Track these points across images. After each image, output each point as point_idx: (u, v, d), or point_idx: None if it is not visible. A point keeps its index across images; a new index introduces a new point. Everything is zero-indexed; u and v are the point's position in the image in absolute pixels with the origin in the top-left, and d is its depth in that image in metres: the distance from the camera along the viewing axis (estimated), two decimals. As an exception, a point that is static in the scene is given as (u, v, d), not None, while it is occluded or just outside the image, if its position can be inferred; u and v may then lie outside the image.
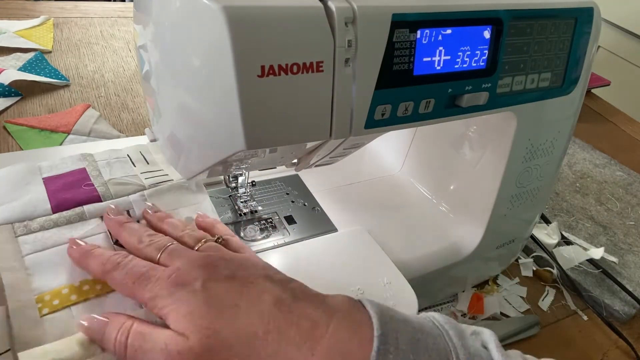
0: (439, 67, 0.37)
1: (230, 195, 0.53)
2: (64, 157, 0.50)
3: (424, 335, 0.32)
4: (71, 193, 0.45)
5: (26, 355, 0.33)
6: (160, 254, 0.37)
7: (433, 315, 0.35)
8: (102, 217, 0.45)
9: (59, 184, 0.46)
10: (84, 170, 0.49)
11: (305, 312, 0.32)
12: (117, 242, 0.43)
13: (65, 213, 0.44)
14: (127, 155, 0.52)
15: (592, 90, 1.17)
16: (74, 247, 0.39)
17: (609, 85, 1.16)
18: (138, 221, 0.45)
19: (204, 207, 0.48)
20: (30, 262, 0.39)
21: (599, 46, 1.63)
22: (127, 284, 0.35)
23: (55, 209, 0.44)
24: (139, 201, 0.46)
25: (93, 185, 0.47)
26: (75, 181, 0.47)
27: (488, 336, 0.34)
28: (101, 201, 0.45)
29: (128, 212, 0.46)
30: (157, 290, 0.34)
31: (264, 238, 0.50)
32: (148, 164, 0.52)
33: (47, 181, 0.47)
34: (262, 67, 0.30)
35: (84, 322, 0.34)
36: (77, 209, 0.44)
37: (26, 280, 0.38)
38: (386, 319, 0.32)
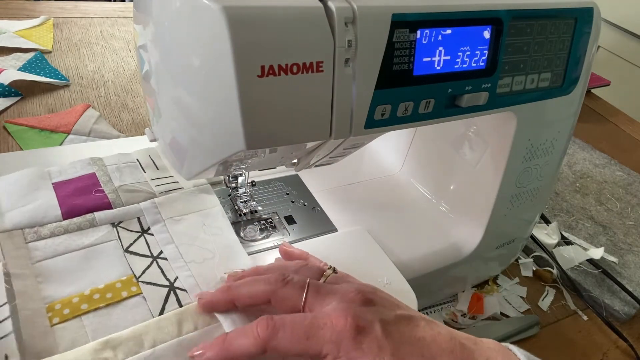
0: (438, 67, 0.37)
1: (230, 195, 0.53)
2: (73, 161, 0.50)
3: None
4: (82, 199, 0.45)
5: None
6: (306, 295, 0.35)
7: None
8: (112, 224, 0.45)
9: (69, 190, 0.46)
10: (93, 175, 0.49)
11: (483, 354, 0.34)
12: (127, 249, 0.43)
13: (75, 219, 0.44)
14: (137, 159, 0.52)
15: (592, 90, 1.17)
16: (215, 348, 0.34)
17: (609, 85, 1.16)
18: (149, 228, 0.45)
19: (214, 212, 0.48)
20: (41, 269, 0.39)
21: (599, 46, 1.63)
22: (299, 341, 0.32)
23: (66, 215, 0.44)
24: (150, 208, 0.46)
25: (104, 191, 0.47)
26: (85, 187, 0.47)
27: None
28: (112, 208, 0.45)
29: (139, 218, 0.46)
30: (340, 342, 0.32)
31: (263, 238, 0.50)
32: (158, 169, 0.52)
33: (57, 186, 0.47)
34: (262, 67, 0.30)
35: None
36: (88, 216, 0.44)
37: (36, 288, 0.38)
38: None
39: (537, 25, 0.41)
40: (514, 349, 0.35)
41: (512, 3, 0.39)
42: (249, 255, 0.46)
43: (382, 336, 0.32)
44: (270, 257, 0.47)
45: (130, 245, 0.43)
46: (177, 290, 0.40)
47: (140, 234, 0.45)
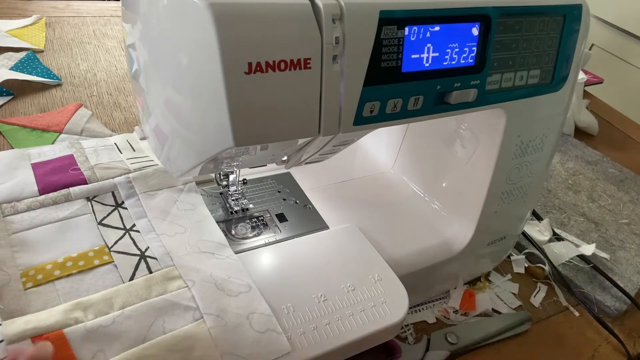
0: (427, 64, 0.37)
1: (221, 193, 0.53)
2: (53, 145, 0.52)
3: None
4: (58, 176, 0.47)
5: (9, 323, 0.34)
6: None
7: None
8: (87, 198, 0.46)
9: (47, 169, 0.48)
10: (71, 156, 0.51)
11: None
12: (101, 222, 0.44)
13: (51, 194, 0.45)
14: (115, 143, 0.54)
15: (585, 88, 1.17)
16: None
17: (602, 82, 1.16)
18: (122, 202, 0.46)
19: (187, 187, 0.50)
20: (17, 240, 0.41)
21: (592, 44, 1.63)
22: None
23: (42, 191, 0.46)
24: (124, 183, 0.48)
25: (80, 169, 0.48)
26: (63, 166, 0.49)
27: None
28: (87, 184, 0.47)
29: (113, 193, 0.47)
30: None
31: (255, 236, 0.50)
32: (134, 151, 0.53)
33: (36, 166, 0.49)
34: (250, 64, 0.30)
35: None
36: (63, 191, 0.46)
37: (12, 257, 0.39)
38: None
39: (526, 22, 0.41)
40: None
41: (501, 0, 0.39)
42: (237, 253, 0.46)
43: None
44: (261, 256, 0.47)
45: (104, 218, 0.45)
46: (148, 259, 0.41)
47: (114, 207, 0.46)
